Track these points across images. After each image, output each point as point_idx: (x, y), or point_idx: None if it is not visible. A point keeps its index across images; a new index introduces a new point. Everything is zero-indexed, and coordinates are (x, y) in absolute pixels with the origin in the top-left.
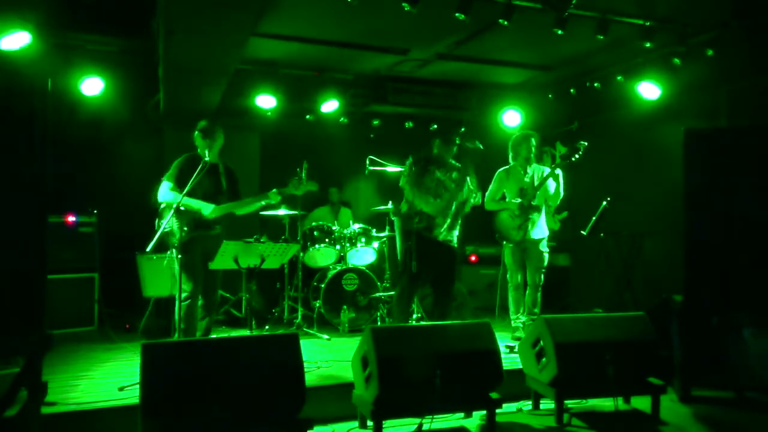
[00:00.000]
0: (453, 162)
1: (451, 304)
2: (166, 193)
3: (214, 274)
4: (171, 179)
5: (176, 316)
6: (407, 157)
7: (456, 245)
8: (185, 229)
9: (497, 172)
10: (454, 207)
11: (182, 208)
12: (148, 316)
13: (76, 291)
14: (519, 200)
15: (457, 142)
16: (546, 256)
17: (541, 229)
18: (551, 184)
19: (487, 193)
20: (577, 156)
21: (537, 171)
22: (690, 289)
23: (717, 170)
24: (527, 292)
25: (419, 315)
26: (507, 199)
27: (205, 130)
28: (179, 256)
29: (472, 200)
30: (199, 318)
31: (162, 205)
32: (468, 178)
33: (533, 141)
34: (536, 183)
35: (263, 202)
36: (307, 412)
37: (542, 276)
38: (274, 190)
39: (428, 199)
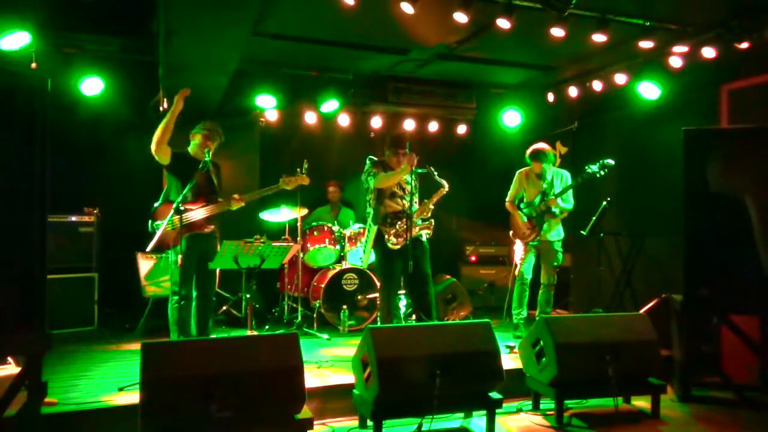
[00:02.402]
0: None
1: (430, 296)
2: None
3: (210, 274)
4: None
5: (170, 317)
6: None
7: (425, 240)
8: (181, 232)
9: (518, 172)
10: (415, 206)
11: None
12: (148, 316)
13: (76, 291)
14: (527, 218)
15: (408, 149)
16: (560, 256)
17: (557, 231)
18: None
19: (509, 193)
20: (603, 173)
21: (557, 176)
22: (690, 289)
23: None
24: (541, 291)
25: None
26: (525, 201)
27: (210, 132)
28: (175, 255)
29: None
30: (195, 318)
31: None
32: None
33: (551, 156)
34: (556, 188)
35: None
36: (307, 412)
37: (555, 276)
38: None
39: (395, 200)
